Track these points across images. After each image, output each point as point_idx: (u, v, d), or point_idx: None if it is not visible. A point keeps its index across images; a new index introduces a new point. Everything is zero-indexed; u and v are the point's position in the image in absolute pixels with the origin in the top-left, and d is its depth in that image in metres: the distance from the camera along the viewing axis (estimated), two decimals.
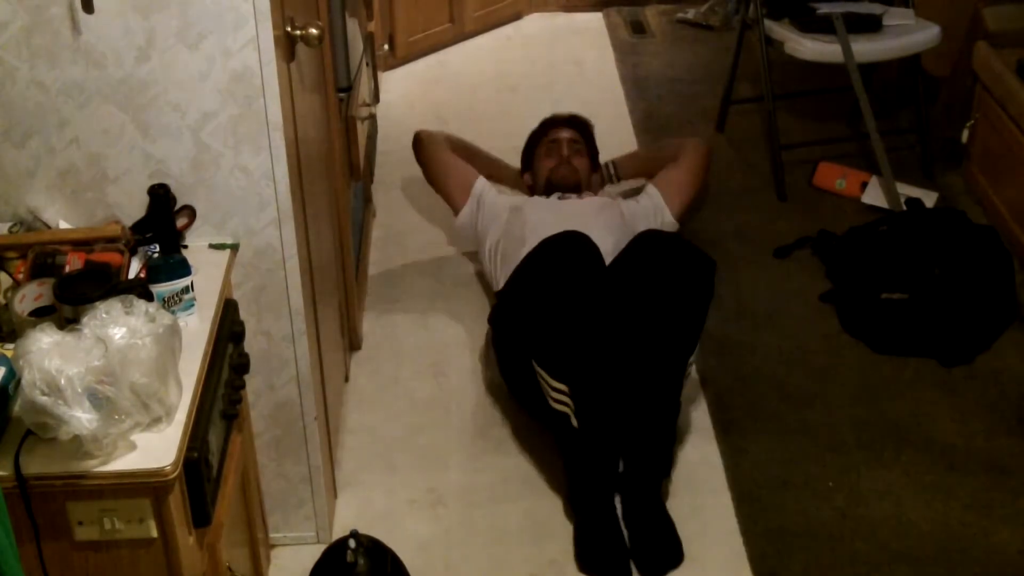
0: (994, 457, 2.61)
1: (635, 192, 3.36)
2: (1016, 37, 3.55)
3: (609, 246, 2.76)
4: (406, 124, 4.17)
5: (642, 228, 2.92)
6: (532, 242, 2.76)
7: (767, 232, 3.52)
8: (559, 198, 3.16)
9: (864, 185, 3.66)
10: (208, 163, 1.91)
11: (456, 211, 3.30)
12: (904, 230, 3.16)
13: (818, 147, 3.85)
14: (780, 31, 3.72)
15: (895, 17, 3.78)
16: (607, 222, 2.97)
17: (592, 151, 3.41)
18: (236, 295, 2.02)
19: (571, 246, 2.65)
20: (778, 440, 2.68)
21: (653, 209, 3.21)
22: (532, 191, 3.37)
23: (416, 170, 3.56)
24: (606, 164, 3.51)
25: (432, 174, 3.41)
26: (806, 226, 3.51)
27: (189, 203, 1.94)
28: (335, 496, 2.48)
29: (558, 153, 3.30)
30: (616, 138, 3.97)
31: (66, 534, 1.53)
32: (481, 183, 3.29)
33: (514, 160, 3.52)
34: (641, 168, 3.54)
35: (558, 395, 2.45)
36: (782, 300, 3.18)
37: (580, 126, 3.42)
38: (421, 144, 3.45)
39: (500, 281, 2.93)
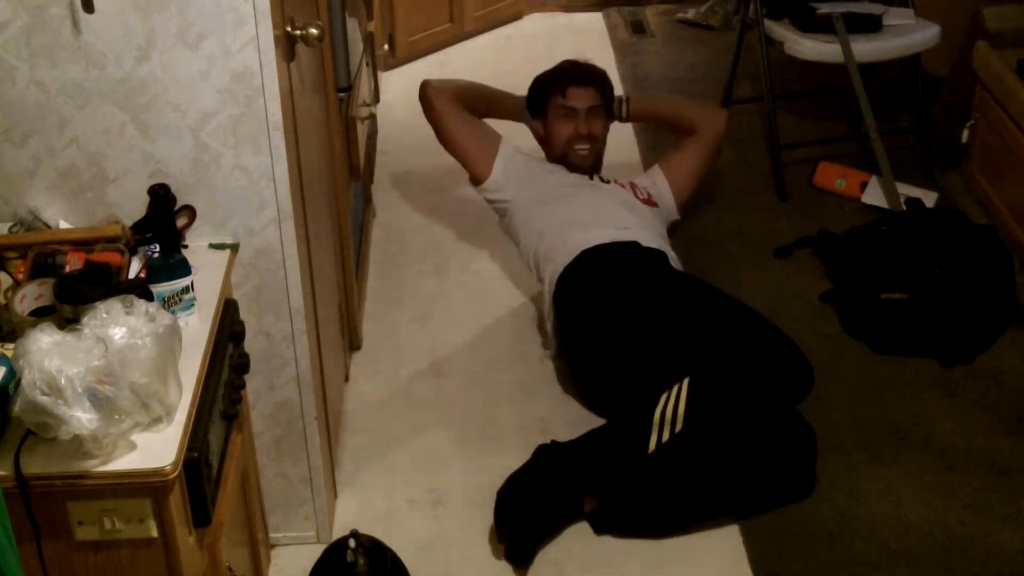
0: (994, 457, 2.61)
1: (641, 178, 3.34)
2: (1016, 37, 3.55)
3: (644, 235, 2.93)
4: (406, 124, 4.17)
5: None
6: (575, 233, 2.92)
7: (767, 232, 3.52)
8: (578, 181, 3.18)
9: (864, 185, 3.66)
10: (208, 163, 1.91)
11: (475, 179, 3.24)
12: (904, 230, 3.16)
13: (818, 147, 3.85)
14: (780, 31, 3.72)
15: (895, 17, 3.78)
16: (638, 210, 3.11)
17: (608, 104, 3.34)
18: (236, 295, 2.02)
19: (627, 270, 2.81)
20: None
21: (657, 201, 3.24)
22: (542, 144, 3.32)
23: (416, 169, 3.57)
24: (619, 99, 3.44)
25: (445, 140, 3.32)
26: (806, 226, 3.51)
27: (189, 203, 1.94)
28: (335, 496, 2.48)
29: (575, 125, 3.22)
30: (615, 137, 3.94)
31: (66, 534, 1.53)
32: (502, 154, 3.21)
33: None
34: (652, 115, 3.54)
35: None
36: (782, 300, 3.18)
37: (598, 82, 3.31)
38: (430, 104, 3.33)
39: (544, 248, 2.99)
